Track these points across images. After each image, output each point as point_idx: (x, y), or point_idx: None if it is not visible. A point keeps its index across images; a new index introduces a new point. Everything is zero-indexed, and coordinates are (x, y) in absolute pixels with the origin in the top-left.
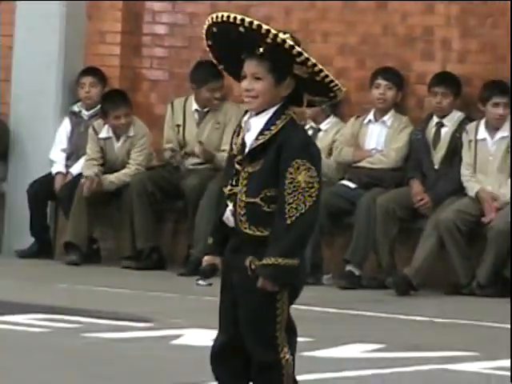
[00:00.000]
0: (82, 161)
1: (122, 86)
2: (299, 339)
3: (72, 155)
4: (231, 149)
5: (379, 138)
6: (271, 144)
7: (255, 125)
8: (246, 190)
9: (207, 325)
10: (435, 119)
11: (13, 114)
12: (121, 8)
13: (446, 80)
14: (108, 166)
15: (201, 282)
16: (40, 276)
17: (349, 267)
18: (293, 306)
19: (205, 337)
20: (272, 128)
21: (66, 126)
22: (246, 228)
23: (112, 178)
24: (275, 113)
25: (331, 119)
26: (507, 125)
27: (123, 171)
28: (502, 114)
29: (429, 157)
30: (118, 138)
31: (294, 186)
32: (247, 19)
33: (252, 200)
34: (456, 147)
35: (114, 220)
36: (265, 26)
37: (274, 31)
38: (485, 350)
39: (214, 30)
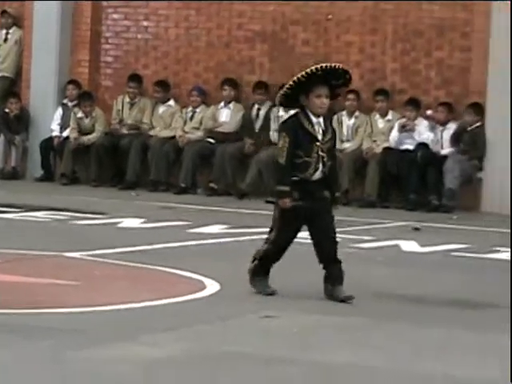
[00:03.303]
0: (68, 130)
1: (90, 89)
2: (185, 223)
3: (63, 126)
4: (309, 133)
5: (227, 115)
6: (332, 132)
7: (321, 121)
8: (328, 157)
9: (137, 216)
10: (256, 106)
11: (31, 105)
12: (88, 48)
13: (262, 86)
14: (82, 132)
15: (133, 193)
16: (46, 191)
17: (212, 184)
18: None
19: (136, 222)
20: (329, 124)
21: (59, 111)
22: (328, 177)
23: (86, 139)
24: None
25: (202, 106)
26: None
27: (93, 135)
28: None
29: (253, 125)
30: (86, 118)
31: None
32: (341, 66)
33: (330, 163)
34: (268, 120)
35: (86, 160)
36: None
37: (350, 73)
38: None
39: (320, 73)
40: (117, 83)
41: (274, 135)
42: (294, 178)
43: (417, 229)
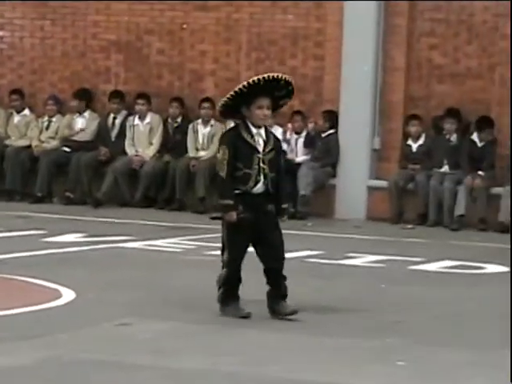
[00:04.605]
0: None
1: None
2: (41, 232)
3: None
4: (249, 145)
5: (83, 123)
6: (274, 143)
7: (262, 132)
8: (270, 169)
9: None
10: (112, 115)
11: None
12: None
13: (118, 95)
14: None
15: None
16: None
17: (67, 193)
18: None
19: None
20: (270, 135)
21: None
22: (271, 191)
23: None
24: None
25: (58, 115)
26: (149, 116)
27: None
28: (143, 108)
29: (109, 134)
30: None
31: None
32: (284, 76)
33: (273, 175)
34: (123, 129)
35: None
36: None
37: (293, 84)
38: (140, 234)
39: (262, 84)
40: None
41: (128, 144)
42: (236, 191)
43: None
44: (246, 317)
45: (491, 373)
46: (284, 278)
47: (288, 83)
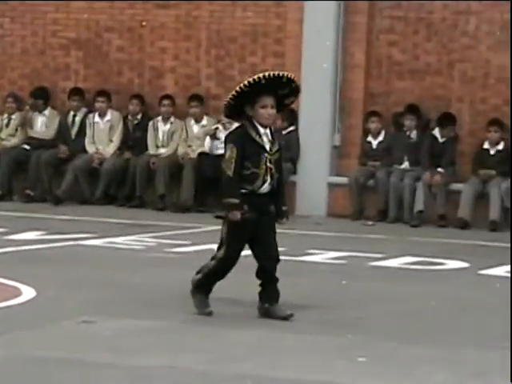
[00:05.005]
0: None
1: None
2: (1, 230)
3: None
4: (257, 144)
5: (43, 121)
6: (279, 144)
7: (268, 132)
8: (275, 169)
9: None
10: (72, 113)
11: None
12: None
13: (78, 93)
14: None
15: None
16: None
17: (27, 191)
18: None
19: None
20: (274, 134)
21: None
22: (275, 191)
23: None
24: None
25: (17, 113)
26: (109, 113)
27: None
28: (103, 105)
29: (69, 132)
30: None
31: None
32: (287, 73)
33: (277, 175)
34: (84, 127)
35: None
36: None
37: (296, 81)
38: (100, 232)
39: (263, 82)
40: None
41: (89, 142)
42: (243, 191)
43: None
44: (208, 314)
45: (451, 369)
46: (276, 279)
47: (290, 80)
